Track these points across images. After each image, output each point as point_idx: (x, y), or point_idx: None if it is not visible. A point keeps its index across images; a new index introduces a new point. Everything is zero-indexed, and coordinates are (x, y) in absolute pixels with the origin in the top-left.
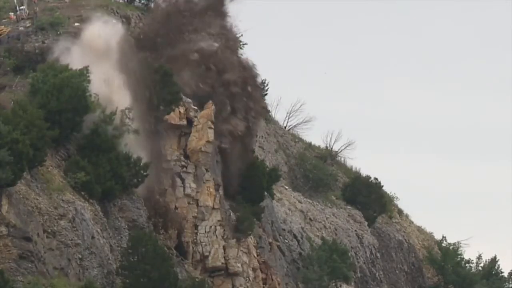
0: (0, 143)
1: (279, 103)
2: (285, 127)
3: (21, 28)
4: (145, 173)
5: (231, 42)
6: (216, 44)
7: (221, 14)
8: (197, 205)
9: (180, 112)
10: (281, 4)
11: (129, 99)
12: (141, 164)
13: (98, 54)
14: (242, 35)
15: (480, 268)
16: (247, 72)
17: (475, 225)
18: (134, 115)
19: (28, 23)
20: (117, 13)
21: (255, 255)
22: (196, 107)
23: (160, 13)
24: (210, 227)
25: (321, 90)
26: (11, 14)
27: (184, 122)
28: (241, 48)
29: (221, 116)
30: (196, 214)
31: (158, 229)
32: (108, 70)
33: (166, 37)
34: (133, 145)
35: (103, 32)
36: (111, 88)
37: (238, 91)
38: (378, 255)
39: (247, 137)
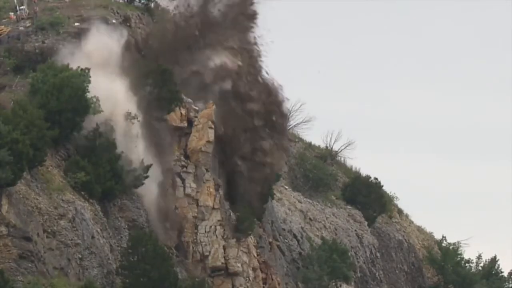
0: (0, 143)
1: None
2: None
3: (21, 28)
4: (145, 175)
5: (254, 59)
6: (240, 62)
7: (249, 16)
8: (197, 205)
9: (181, 113)
10: (281, 4)
11: (131, 106)
12: (143, 165)
13: (100, 63)
14: (267, 48)
15: (480, 268)
16: (272, 98)
17: (475, 225)
18: (135, 118)
19: (28, 23)
20: (117, 13)
21: (255, 255)
22: (196, 107)
23: (166, 21)
24: (210, 227)
25: (321, 90)
26: (11, 14)
27: (185, 124)
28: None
29: (239, 141)
30: (196, 214)
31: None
32: (110, 78)
33: (172, 54)
34: (134, 147)
35: (105, 42)
36: (113, 96)
37: (261, 123)
38: (378, 255)
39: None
